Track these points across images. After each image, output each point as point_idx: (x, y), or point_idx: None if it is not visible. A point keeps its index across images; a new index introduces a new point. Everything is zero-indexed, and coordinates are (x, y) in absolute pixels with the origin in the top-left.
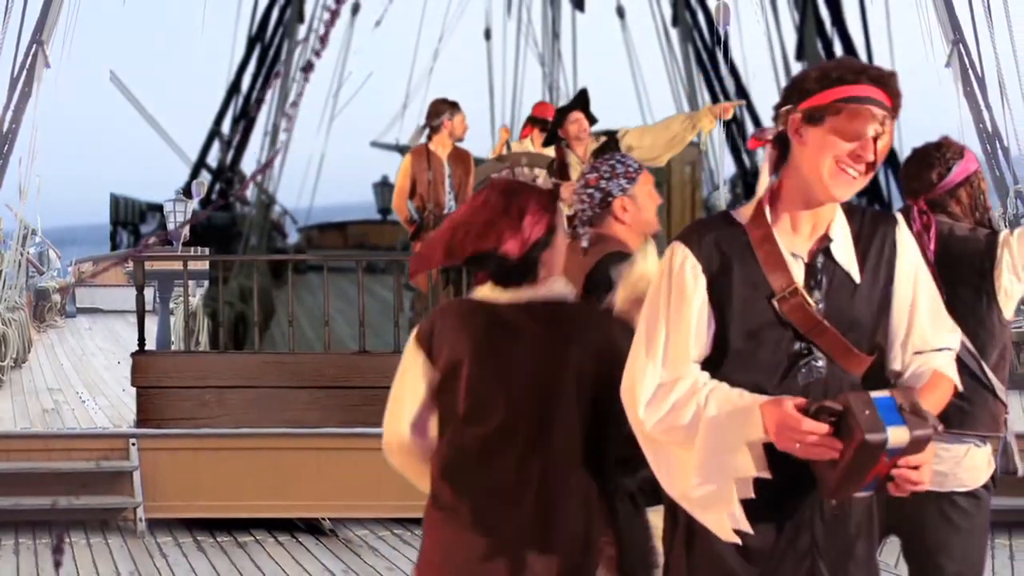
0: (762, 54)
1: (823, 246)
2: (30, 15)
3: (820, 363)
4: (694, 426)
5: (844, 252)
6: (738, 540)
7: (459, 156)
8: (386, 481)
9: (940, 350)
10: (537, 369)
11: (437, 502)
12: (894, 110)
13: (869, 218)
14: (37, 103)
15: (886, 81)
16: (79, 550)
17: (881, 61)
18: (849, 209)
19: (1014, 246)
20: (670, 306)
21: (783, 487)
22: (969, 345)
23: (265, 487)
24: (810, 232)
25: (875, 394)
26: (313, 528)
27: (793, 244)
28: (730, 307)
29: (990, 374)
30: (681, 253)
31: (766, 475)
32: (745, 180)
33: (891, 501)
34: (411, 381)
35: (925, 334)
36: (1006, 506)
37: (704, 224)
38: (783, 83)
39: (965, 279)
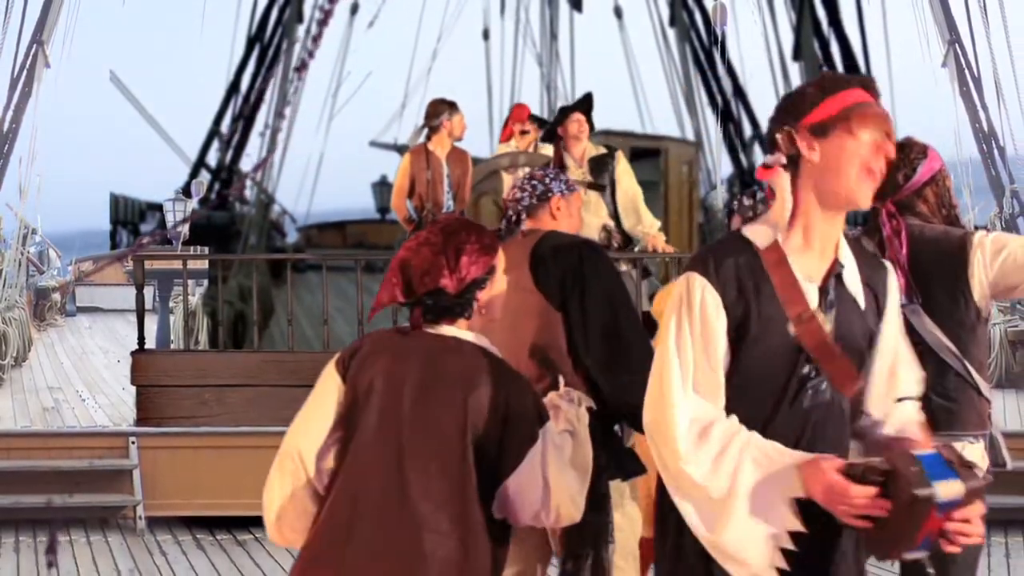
0: (759, 54)
1: (836, 271)
2: (30, 15)
3: (824, 386)
4: (730, 483)
5: (853, 278)
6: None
7: (458, 156)
8: None
9: (911, 399)
10: (426, 404)
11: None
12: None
13: (865, 253)
14: (37, 103)
15: (869, 85)
16: (79, 548)
17: (878, 61)
18: (852, 240)
19: (987, 259)
20: (695, 337)
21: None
22: (951, 346)
23: (264, 485)
24: (821, 251)
25: (918, 452)
26: None
27: (807, 267)
28: (746, 333)
29: (974, 373)
30: (700, 284)
31: (801, 529)
32: (742, 179)
33: None
34: (321, 402)
35: (905, 380)
36: (1002, 504)
37: (718, 251)
38: (780, 83)
39: (939, 281)
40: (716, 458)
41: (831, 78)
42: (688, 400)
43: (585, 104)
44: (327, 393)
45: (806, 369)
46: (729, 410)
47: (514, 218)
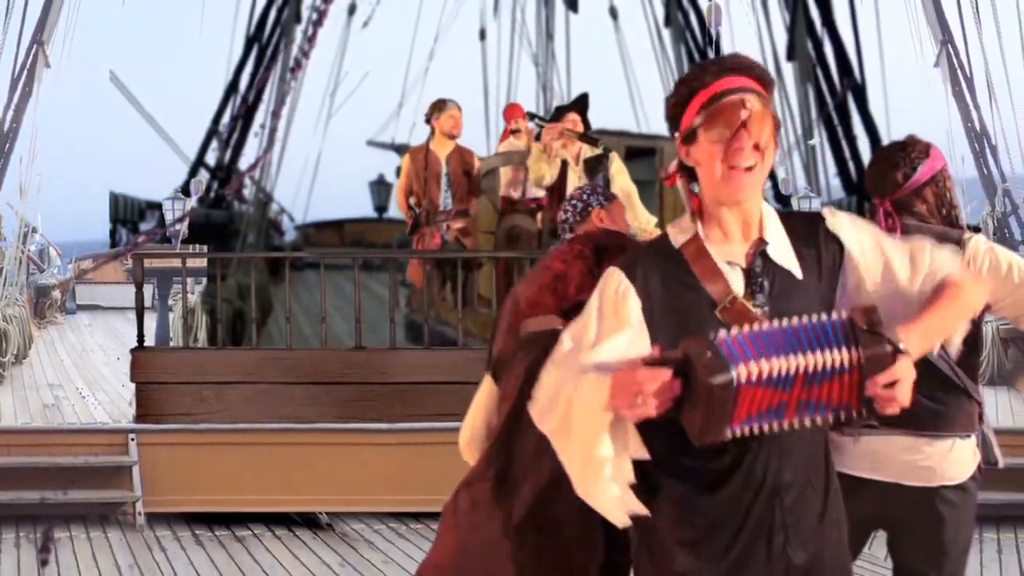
0: (753, 54)
1: (759, 249)
2: (30, 16)
3: None
4: (562, 424)
5: (782, 252)
6: (627, 522)
7: (459, 155)
8: (382, 476)
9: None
10: None
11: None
12: (759, 82)
13: (800, 217)
14: (37, 103)
15: (730, 65)
16: (79, 544)
17: (871, 61)
18: (785, 214)
19: (984, 272)
20: (601, 325)
21: (719, 479)
22: (939, 348)
23: (263, 482)
24: (742, 234)
25: (816, 320)
26: (310, 522)
27: (729, 252)
28: (672, 325)
29: (962, 375)
30: (617, 277)
31: (643, 456)
32: None
33: (877, 496)
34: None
35: (902, 272)
36: (993, 500)
37: (641, 248)
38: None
39: None
40: (560, 395)
41: (688, 79)
42: (559, 368)
43: (580, 104)
44: None
45: None
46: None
47: (563, 235)
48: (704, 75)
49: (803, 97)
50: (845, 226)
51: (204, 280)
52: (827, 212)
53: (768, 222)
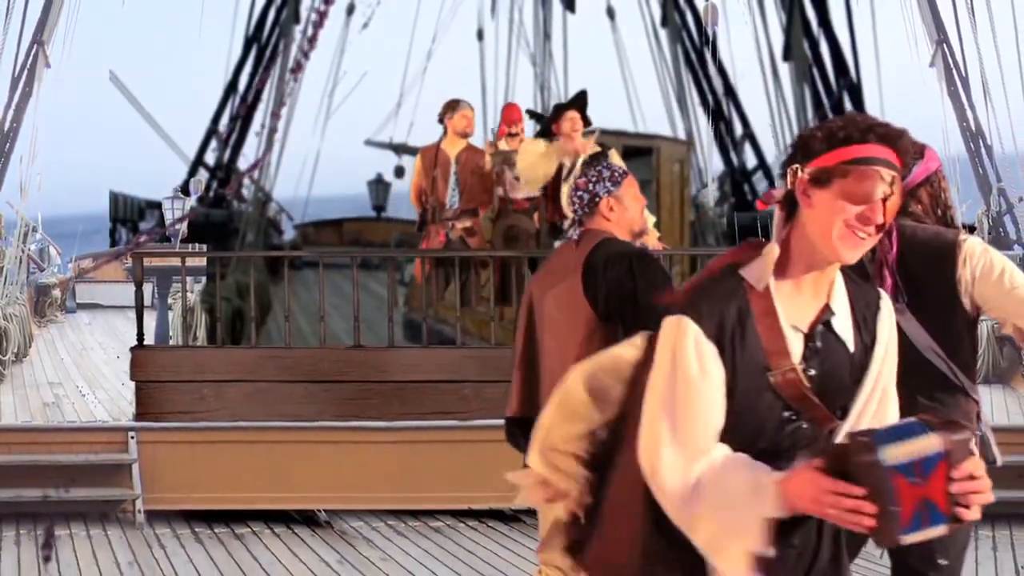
0: (749, 54)
1: (824, 318)
2: (31, 16)
3: (806, 426)
4: (714, 503)
5: (843, 323)
6: None
7: (469, 155)
8: (380, 474)
9: None
10: None
11: None
12: (904, 167)
13: (863, 291)
14: (38, 102)
15: (893, 139)
16: (79, 541)
17: (866, 61)
18: (849, 277)
19: (973, 269)
20: (688, 390)
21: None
22: (937, 348)
23: (261, 479)
24: (812, 293)
25: (895, 424)
26: (309, 519)
27: (795, 314)
28: (730, 374)
29: (960, 374)
30: (692, 332)
31: (770, 552)
32: (733, 178)
33: None
34: None
35: (890, 415)
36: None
37: (708, 293)
38: (770, 83)
39: (929, 282)
40: (704, 487)
41: (849, 122)
42: (678, 452)
43: (579, 102)
44: None
45: (786, 413)
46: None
47: (572, 228)
48: (868, 132)
49: (799, 97)
50: (888, 325)
51: (203, 279)
52: (885, 302)
53: (837, 289)
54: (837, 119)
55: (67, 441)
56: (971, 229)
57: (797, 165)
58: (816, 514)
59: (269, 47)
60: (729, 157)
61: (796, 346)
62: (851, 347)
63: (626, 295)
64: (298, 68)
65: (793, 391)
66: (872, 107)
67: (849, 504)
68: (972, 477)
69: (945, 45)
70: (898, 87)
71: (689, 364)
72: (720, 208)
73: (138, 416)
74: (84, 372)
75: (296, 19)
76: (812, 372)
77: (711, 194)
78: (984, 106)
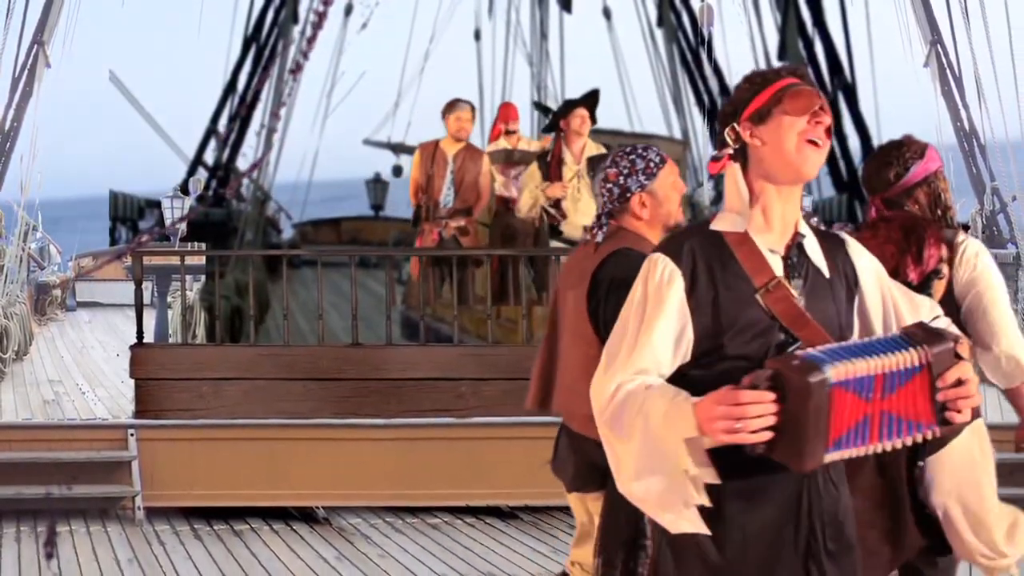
0: (745, 54)
1: (797, 241)
2: (31, 16)
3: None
4: (633, 426)
5: (815, 249)
6: (695, 530)
7: (467, 154)
8: (378, 471)
9: (934, 319)
10: None
11: None
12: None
13: (824, 234)
14: (38, 102)
15: (803, 73)
16: (79, 538)
17: (861, 61)
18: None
19: (964, 278)
20: (644, 313)
21: (761, 482)
22: None
23: (260, 476)
24: (782, 230)
25: (872, 339)
26: (307, 516)
27: (769, 241)
28: (714, 307)
29: None
30: (661, 262)
31: (713, 480)
32: None
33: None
34: None
35: (911, 318)
36: None
37: (683, 233)
38: None
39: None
40: (623, 404)
41: (759, 73)
42: (623, 371)
43: (590, 100)
44: None
45: (781, 337)
46: (710, 382)
47: (598, 224)
48: (780, 71)
49: None
50: (864, 259)
51: (202, 277)
52: (848, 238)
53: (802, 223)
54: (743, 78)
55: (67, 438)
56: (964, 228)
57: (733, 123)
58: (710, 435)
59: (268, 47)
60: None
61: (777, 267)
62: (826, 272)
63: None
64: (297, 68)
65: (783, 305)
66: (866, 107)
67: (751, 412)
68: (960, 382)
69: (939, 45)
70: (892, 87)
71: (655, 291)
72: (715, 207)
73: (138, 413)
74: (84, 370)
75: (295, 19)
76: (800, 296)
77: (706, 193)
78: (978, 106)
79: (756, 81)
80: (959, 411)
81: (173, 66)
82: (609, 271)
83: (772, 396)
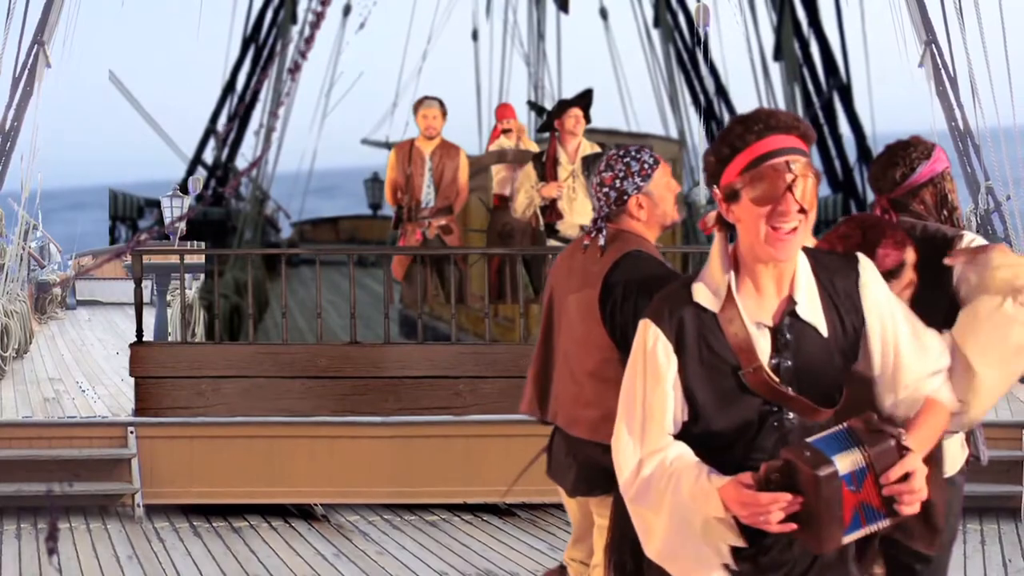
0: (741, 54)
1: (788, 309)
2: (31, 17)
3: (791, 416)
4: (662, 502)
5: (809, 309)
6: None
7: (445, 151)
8: (376, 468)
9: (931, 375)
10: None
11: None
12: (801, 139)
13: (834, 268)
14: (39, 102)
15: (774, 123)
16: (79, 535)
17: (856, 61)
18: (813, 256)
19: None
20: (646, 385)
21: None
22: None
23: (259, 474)
24: (775, 290)
25: (825, 433)
26: (305, 513)
27: (759, 312)
28: (700, 379)
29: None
30: (653, 333)
31: (740, 543)
32: None
33: None
34: None
35: (912, 368)
36: (977, 492)
37: (672, 301)
38: (761, 82)
39: (927, 279)
40: (650, 484)
41: (729, 137)
42: (636, 443)
43: (584, 100)
44: None
45: (767, 407)
46: (708, 443)
47: (596, 227)
48: (747, 134)
49: (790, 96)
50: (872, 293)
51: (202, 276)
52: (863, 267)
53: (800, 277)
54: (722, 131)
55: (67, 436)
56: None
57: (714, 187)
58: (751, 523)
59: (267, 48)
60: None
61: (764, 342)
62: (823, 331)
63: None
64: (296, 68)
65: (765, 387)
66: (861, 106)
67: (773, 513)
68: (906, 476)
69: (934, 45)
70: (887, 87)
71: (652, 362)
72: (711, 206)
73: (137, 411)
74: (84, 368)
75: (293, 20)
76: (787, 364)
77: (702, 192)
78: (972, 106)
79: (723, 152)
80: (903, 509)
81: (172, 66)
82: (621, 275)
83: (789, 497)
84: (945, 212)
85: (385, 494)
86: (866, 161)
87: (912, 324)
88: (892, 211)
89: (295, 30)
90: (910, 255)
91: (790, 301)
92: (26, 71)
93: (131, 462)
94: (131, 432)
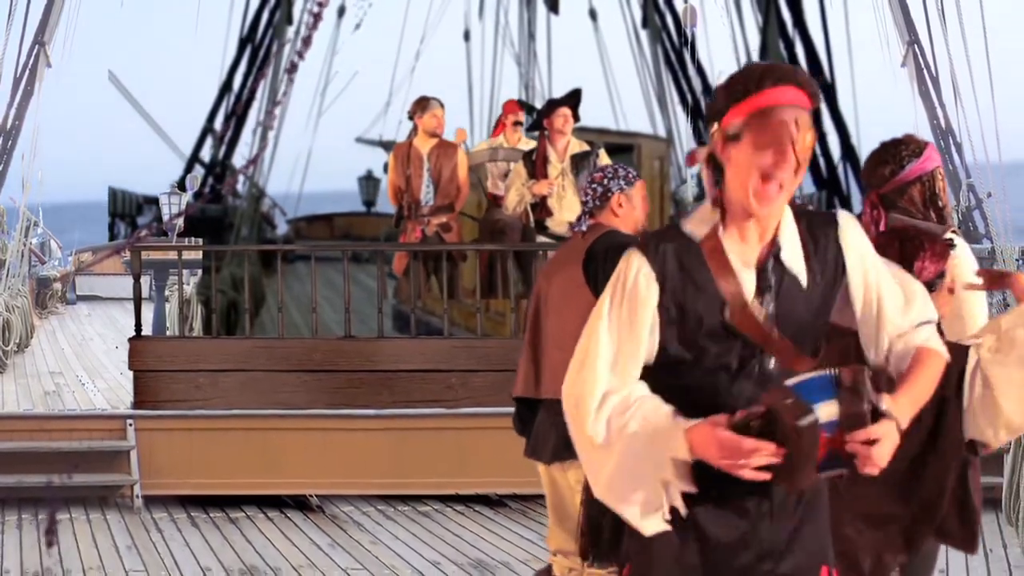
0: (727, 54)
1: (772, 252)
2: (32, 18)
3: (771, 362)
4: (618, 437)
5: (793, 257)
6: (655, 531)
7: (443, 151)
8: (370, 460)
9: (919, 326)
10: None
11: None
12: (811, 98)
13: (815, 221)
14: (39, 101)
15: (791, 78)
16: (79, 526)
17: (840, 62)
18: (797, 210)
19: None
20: (623, 314)
21: (729, 482)
22: None
23: (255, 465)
24: (759, 238)
25: (811, 374)
26: (301, 504)
27: (743, 253)
28: (683, 313)
29: None
30: (637, 261)
31: (691, 489)
32: None
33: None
34: None
35: (896, 320)
36: None
37: (659, 234)
38: None
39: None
40: (610, 419)
41: (744, 77)
42: (606, 376)
43: (572, 99)
44: None
45: (746, 350)
46: (679, 387)
47: (581, 219)
48: (762, 79)
49: None
50: (853, 244)
51: (199, 272)
52: (843, 219)
53: (784, 226)
54: (737, 72)
55: (67, 428)
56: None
57: (714, 125)
58: (716, 465)
59: (263, 48)
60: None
61: (748, 282)
62: (803, 282)
63: None
64: (293, 68)
65: (749, 326)
66: (845, 106)
67: (753, 460)
68: (870, 442)
69: (916, 46)
70: (871, 86)
71: (632, 290)
72: (698, 203)
73: (136, 404)
74: (84, 362)
75: (289, 20)
76: (770, 308)
77: (690, 190)
78: (954, 105)
79: (735, 89)
80: (860, 468)
81: (171, 66)
82: (603, 244)
83: (773, 448)
84: (934, 210)
85: (379, 485)
86: (850, 159)
87: (896, 278)
88: (881, 207)
89: (291, 31)
90: (952, 266)
91: (774, 244)
92: (26, 71)
93: (130, 454)
94: (130, 425)
